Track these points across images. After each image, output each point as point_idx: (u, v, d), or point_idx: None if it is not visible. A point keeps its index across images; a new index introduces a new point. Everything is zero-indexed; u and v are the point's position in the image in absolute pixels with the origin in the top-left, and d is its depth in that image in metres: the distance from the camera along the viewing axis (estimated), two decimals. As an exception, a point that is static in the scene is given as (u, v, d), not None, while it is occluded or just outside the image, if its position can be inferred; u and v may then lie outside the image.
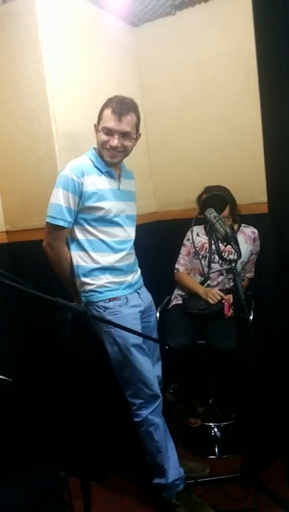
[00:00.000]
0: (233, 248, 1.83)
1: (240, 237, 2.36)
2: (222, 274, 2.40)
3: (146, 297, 2.10)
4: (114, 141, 1.83)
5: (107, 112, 1.82)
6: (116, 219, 1.92)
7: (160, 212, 2.94)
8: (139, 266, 2.13)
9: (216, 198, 2.01)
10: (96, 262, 1.90)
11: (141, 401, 1.88)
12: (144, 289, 2.12)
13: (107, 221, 1.90)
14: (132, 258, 2.05)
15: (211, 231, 1.93)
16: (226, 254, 2.25)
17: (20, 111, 2.14)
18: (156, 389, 1.91)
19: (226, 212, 2.38)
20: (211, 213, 1.90)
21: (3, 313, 2.26)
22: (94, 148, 1.94)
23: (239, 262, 1.99)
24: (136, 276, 2.06)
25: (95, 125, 1.90)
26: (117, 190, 1.95)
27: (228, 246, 1.85)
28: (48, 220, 1.82)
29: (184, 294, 2.54)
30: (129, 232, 2.01)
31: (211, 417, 2.49)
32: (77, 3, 2.27)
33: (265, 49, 0.65)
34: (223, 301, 2.27)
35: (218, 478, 2.07)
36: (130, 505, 2.01)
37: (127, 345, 1.84)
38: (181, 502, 1.87)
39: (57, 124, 2.07)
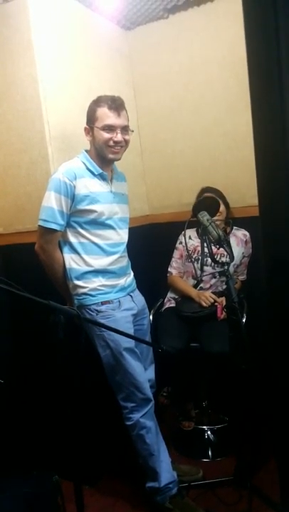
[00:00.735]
0: (226, 251, 1.83)
1: (232, 240, 2.37)
2: (215, 277, 2.41)
3: (139, 300, 2.10)
4: (118, 136, 1.85)
5: (103, 110, 1.83)
6: (109, 222, 1.92)
7: (153, 215, 2.94)
8: (132, 269, 2.13)
9: (208, 200, 2.02)
10: (89, 265, 1.89)
11: (133, 404, 1.87)
12: (137, 292, 2.12)
13: (99, 224, 1.90)
14: (125, 261, 2.05)
15: (203, 234, 1.94)
16: (219, 256, 2.26)
17: (13, 113, 2.14)
18: (148, 392, 1.90)
19: (223, 215, 2.39)
20: (204, 216, 1.91)
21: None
22: (86, 151, 1.94)
23: (232, 264, 2.00)
24: (129, 279, 2.06)
25: (86, 128, 1.90)
26: (110, 193, 1.95)
27: (221, 249, 1.86)
28: (41, 223, 1.82)
29: (177, 297, 2.54)
30: (122, 235, 2.01)
31: (204, 420, 2.48)
32: (70, 6, 2.27)
33: (255, 53, 0.65)
34: (216, 303, 2.28)
35: (211, 482, 2.06)
36: (123, 509, 2.00)
37: (119, 349, 1.84)
38: (174, 506, 1.87)
39: (50, 126, 2.07)
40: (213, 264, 2.35)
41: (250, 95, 0.69)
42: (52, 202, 1.80)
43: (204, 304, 2.29)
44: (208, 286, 2.43)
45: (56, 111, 2.11)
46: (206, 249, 2.37)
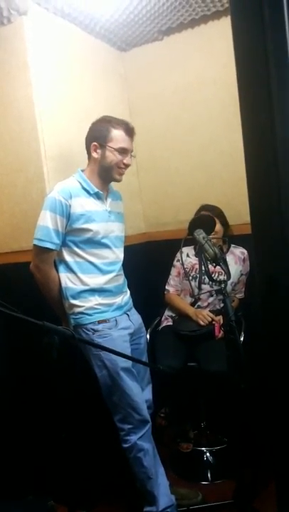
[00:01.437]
0: (223, 269, 1.82)
1: (229, 258, 2.37)
2: (212, 295, 2.40)
3: (136, 319, 2.08)
4: (129, 160, 1.93)
5: (120, 133, 1.88)
6: (104, 240, 1.92)
7: (150, 233, 2.94)
8: (129, 287, 2.11)
9: (204, 218, 2.02)
10: (85, 284, 1.88)
11: (130, 426, 1.84)
12: (133, 310, 2.10)
13: (95, 243, 1.89)
14: (121, 279, 2.04)
15: (200, 252, 1.93)
16: (216, 275, 2.25)
17: (9, 133, 2.15)
18: (145, 413, 1.87)
19: (220, 232, 2.38)
20: (200, 234, 1.90)
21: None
22: (81, 171, 1.95)
23: (229, 282, 1.99)
24: (125, 297, 2.04)
25: (95, 144, 1.89)
26: (105, 212, 1.95)
27: (218, 267, 1.85)
28: (36, 242, 1.81)
29: (174, 315, 2.52)
30: (118, 254, 2.00)
31: (202, 442, 2.44)
32: (66, 28, 2.31)
33: (244, 76, 0.66)
34: (214, 322, 2.26)
35: (210, 505, 2.01)
36: (120, 536, 1.95)
37: (116, 369, 1.81)
38: (173, 531, 1.82)
39: (46, 146, 2.09)
40: (210, 282, 2.34)
41: (240, 115, 0.69)
42: (47, 221, 1.79)
43: (202, 323, 2.27)
44: (205, 304, 2.41)
45: (52, 131, 2.13)
46: (203, 267, 2.36)
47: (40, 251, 1.82)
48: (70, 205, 1.81)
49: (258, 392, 1.70)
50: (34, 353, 1.74)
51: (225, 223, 2.45)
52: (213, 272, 2.10)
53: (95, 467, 2.16)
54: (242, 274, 2.46)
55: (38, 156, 2.08)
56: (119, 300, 1.98)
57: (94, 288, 1.89)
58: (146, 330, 2.27)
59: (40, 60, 2.10)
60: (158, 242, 2.89)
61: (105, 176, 1.94)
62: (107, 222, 1.93)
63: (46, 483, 2.04)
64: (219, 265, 1.82)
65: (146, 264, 2.83)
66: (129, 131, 1.91)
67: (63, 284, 1.89)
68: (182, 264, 2.48)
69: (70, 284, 1.88)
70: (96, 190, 1.91)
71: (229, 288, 2.31)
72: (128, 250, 2.10)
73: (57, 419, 1.92)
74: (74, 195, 1.83)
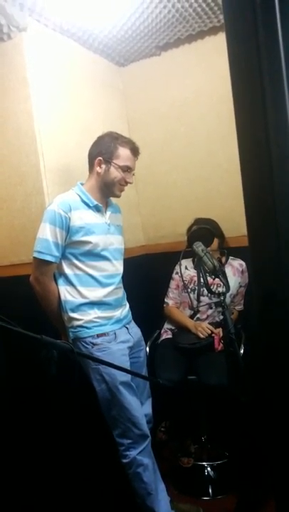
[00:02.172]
0: (222, 281, 1.82)
1: (228, 270, 2.37)
2: (211, 308, 2.39)
3: (135, 332, 2.07)
4: (132, 178, 1.98)
5: (126, 151, 1.92)
6: (104, 253, 1.92)
7: (148, 246, 2.95)
8: (128, 300, 2.11)
9: (203, 231, 2.02)
10: (84, 297, 1.88)
11: (129, 441, 1.82)
12: (133, 323, 2.09)
13: (94, 255, 1.89)
14: (121, 292, 2.04)
15: (199, 264, 1.93)
16: (215, 287, 2.24)
17: (8, 147, 2.17)
18: (145, 428, 1.85)
19: (215, 245, 2.39)
20: (199, 247, 1.90)
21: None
22: (81, 184, 1.96)
23: (228, 294, 1.98)
24: (124, 310, 2.04)
25: (100, 159, 1.90)
26: (105, 224, 1.95)
27: (217, 279, 1.85)
28: (35, 254, 1.81)
29: (173, 328, 2.51)
30: (117, 266, 2.00)
31: (203, 456, 2.41)
32: (64, 44, 2.34)
33: (240, 90, 0.67)
34: (213, 335, 2.25)
35: (212, 522, 1.98)
36: None
37: (115, 383, 1.80)
38: None
39: (44, 160, 2.10)
40: (209, 294, 2.33)
41: (236, 129, 0.70)
42: (47, 234, 1.80)
43: (201, 335, 2.26)
44: (204, 316, 2.41)
45: (51, 145, 2.14)
46: (202, 280, 2.36)
47: (40, 263, 1.82)
48: (69, 218, 1.82)
49: (258, 405, 1.69)
50: (33, 367, 1.73)
51: (220, 235, 2.45)
52: (211, 284, 2.09)
53: (93, 483, 2.13)
54: (241, 286, 2.46)
55: (37, 170, 2.09)
56: (118, 313, 1.98)
57: (93, 301, 1.89)
58: (146, 343, 2.26)
59: (39, 75, 2.12)
60: (156, 255, 2.89)
61: (106, 191, 1.96)
62: (106, 234, 1.94)
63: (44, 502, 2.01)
64: (218, 277, 1.82)
65: (144, 276, 2.83)
66: (135, 151, 1.96)
67: (62, 297, 1.88)
68: (181, 276, 2.48)
69: (69, 297, 1.88)
70: (95, 202, 1.92)
71: (228, 300, 2.31)
72: (127, 263, 2.10)
73: (56, 434, 1.90)
74: (73, 207, 1.84)
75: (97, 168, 1.92)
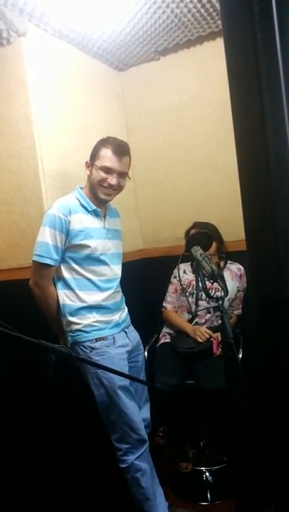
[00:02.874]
0: (220, 285, 1.82)
1: (226, 274, 2.37)
2: (210, 312, 2.39)
3: (134, 336, 2.07)
4: (114, 180, 1.89)
5: (107, 151, 1.87)
6: (102, 257, 1.92)
7: (147, 250, 2.95)
8: (126, 304, 2.11)
9: (201, 235, 2.02)
10: (83, 301, 1.87)
11: (127, 446, 1.81)
12: (131, 327, 2.09)
13: (93, 259, 1.89)
14: (119, 296, 2.04)
15: (197, 268, 1.93)
16: (213, 291, 2.25)
17: (8, 152, 2.17)
18: (143, 433, 1.85)
19: (213, 249, 2.39)
20: (197, 251, 1.91)
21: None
22: (80, 188, 1.96)
23: (226, 299, 1.98)
24: (123, 314, 2.04)
25: (87, 162, 1.92)
26: (103, 229, 1.95)
27: (215, 283, 1.85)
28: (35, 258, 1.81)
29: (172, 332, 2.50)
30: (116, 271, 2.00)
31: (201, 461, 2.40)
32: (64, 49, 2.35)
33: (237, 94, 0.67)
34: (212, 339, 2.25)
35: (210, 527, 1.97)
36: None
37: (113, 388, 1.80)
38: None
39: (43, 164, 2.10)
40: (207, 298, 2.33)
41: (234, 134, 0.71)
42: (47, 237, 1.80)
43: (199, 340, 2.25)
44: (203, 321, 2.40)
45: (50, 149, 2.15)
46: (200, 284, 2.36)
47: (40, 267, 1.81)
48: (69, 221, 1.82)
49: (257, 409, 1.69)
50: (31, 372, 1.73)
51: (219, 239, 2.45)
52: (210, 289, 2.10)
53: (91, 488, 2.12)
54: (239, 290, 2.46)
55: (36, 174, 2.09)
56: (117, 317, 1.98)
57: (92, 305, 1.89)
58: (144, 347, 2.25)
59: (38, 80, 2.13)
60: (155, 259, 2.89)
61: (94, 195, 1.93)
62: (104, 239, 1.94)
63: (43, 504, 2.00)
64: (216, 282, 1.82)
65: (143, 280, 2.83)
66: (118, 152, 1.88)
67: (61, 301, 1.88)
68: (179, 280, 2.48)
69: (67, 301, 1.88)
70: (94, 207, 1.92)
71: (226, 304, 2.31)
72: (125, 267, 2.10)
73: (53, 438, 1.89)
74: (73, 211, 1.84)
75: (86, 171, 1.93)
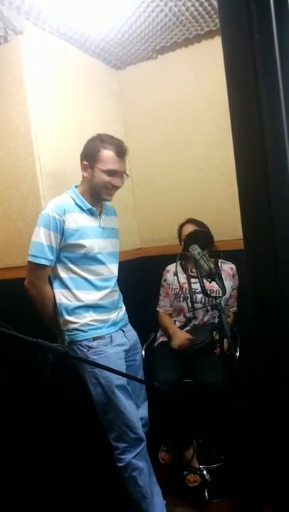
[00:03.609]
0: (218, 284, 1.82)
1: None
2: (208, 311, 2.38)
3: (132, 335, 2.07)
4: (119, 182, 1.90)
5: (109, 153, 1.84)
6: (99, 256, 1.91)
7: (144, 248, 2.95)
8: (124, 302, 2.11)
9: (199, 234, 2.03)
10: (79, 300, 1.87)
11: (124, 445, 1.81)
12: (129, 326, 2.09)
13: (89, 259, 1.89)
14: (116, 295, 2.03)
15: (196, 267, 1.93)
16: (209, 291, 2.24)
17: (5, 150, 2.17)
18: (141, 432, 1.85)
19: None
20: (195, 250, 1.91)
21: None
22: (75, 187, 1.96)
23: (223, 298, 1.98)
24: (120, 313, 2.03)
25: (85, 164, 1.88)
26: (99, 228, 1.95)
27: (213, 282, 1.85)
28: (30, 258, 1.80)
29: None
30: (112, 270, 2.00)
31: (200, 459, 2.39)
32: (61, 47, 2.34)
33: (235, 93, 0.67)
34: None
35: (208, 526, 1.97)
36: None
37: (111, 387, 1.79)
38: None
39: (41, 163, 2.10)
40: (204, 299, 2.32)
41: (231, 133, 0.71)
42: (41, 237, 1.79)
43: (175, 346, 2.27)
44: (200, 322, 2.39)
45: (47, 148, 2.14)
46: (193, 285, 2.36)
47: (35, 267, 1.81)
48: (63, 221, 1.81)
49: (254, 408, 1.69)
50: (28, 371, 1.72)
51: (211, 238, 2.44)
52: (207, 288, 2.09)
53: (89, 487, 2.12)
54: (233, 289, 2.45)
55: (33, 173, 2.09)
56: (114, 316, 1.97)
57: (88, 304, 1.88)
58: (142, 346, 2.25)
59: (36, 78, 2.12)
60: (153, 258, 2.89)
61: (95, 195, 1.92)
62: (100, 238, 1.93)
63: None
64: (214, 280, 1.82)
65: (141, 279, 2.83)
66: (120, 153, 1.87)
67: (58, 301, 1.88)
68: (168, 284, 2.47)
69: (64, 300, 1.87)
70: (89, 206, 1.91)
71: (222, 303, 2.31)
72: (123, 266, 2.10)
73: (51, 438, 1.89)
74: (67, 210, 1.84)
75: (84, 173, 1.91)
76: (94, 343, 1.86)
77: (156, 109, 2.78)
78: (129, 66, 2.84)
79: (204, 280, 1.89)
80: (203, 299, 2.34)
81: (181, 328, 2.42)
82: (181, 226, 2.48)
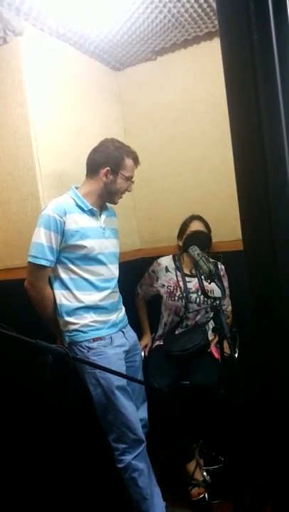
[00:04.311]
0: (217, 285, 1.82)
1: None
2: (206, 312, 2.38)
3: (131, 336, 2.07)
4: (131, 188, 2.04)
5: (131, 163, 1.97)
6: (99, 257, 1.91)
7: (144, 249, 2.95)
8: (123, 304, 2.11)
9: (199, 235, 2.03)
10: (80, 301, 1.87)
11: (124, 446, 1.81)
12: (128, 327, 2.09)
13: (90, 259, 1.89)
14: (117, 296, 2.03)
15: (195, 268, 1.93)
16: (207, 291, 2.23)
17: (4, 151, 2.17)
18: (140, 433, 1.84)
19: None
20: (195, 251, 1.91)
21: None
22: (76, 188, 1.96)
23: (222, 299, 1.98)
24: (120, 314, 2.04)
25: (108, 170, 1.91)
26: (99, 228, 1.95)
27: (212, 283, 1.85)
28: (30, 259, 1.80)
29: (164, 333, 2.48)
30: (113, 270, 2.00)
31: (199, 461, 2.39)
32: (61, 48, 2.35)
33: (234, 94, 0.67)
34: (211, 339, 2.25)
35: (208, 527, 1.97)
36: None
37: (110, 388, 1.79)
38: None
39: (40, 164, 2.10)
40: (198, 299, 2.32)
41: (230, 133, 0.71)
42: (41, 238, 1.79)
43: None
44: (193, 323, 2.38)
45: (47, 149, 2.14)
46: (189, 285, 2.35)
47: (35, 268, 1.81)
48: (64, 222, 1.81)
49: (253, 409, 1.69)
50: (28, 372, 1.72)
51: (210, 239, 2.44)
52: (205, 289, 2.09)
53: (88, 489, 2.12)
54: (226, 288, 2.44)
55: (32, 174, 2.09)
56: (114, 317, 1.97)
57: (89, 305, 1.88)
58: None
59: (35, 79, 2.12)
60: (152, 259, 2.88)
61: (106, 198, 1.99)
62: (101, 238, 1.93)
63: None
64: (214, 281, 1.83)
65: (140, 280, 2.83)
66: (137, 162, 2.01)
67: (58, 301, 1.88)
68: (157, 277, 2.47)
69: (64, 301, 1.87)
70: (90, 207, 1.91)
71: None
72: (123, 267, 2.10)
73: (50, 438, 1.89)
74: (68, 211, 1.84)
75: (104, 178, 1.92)
76: (94, 344, 1.86)
77: (156, 109, 2.78)
78: (128, 67, 2.85)
79: (203, 281, 1.90)
80: (197, 299, 2.33)
81: (174, 328, 2.40)
82: (187, 223, 2.45)
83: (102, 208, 2.03)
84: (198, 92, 2.62)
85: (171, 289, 2.41)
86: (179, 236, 2.47)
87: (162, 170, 2.81)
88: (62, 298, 1.88)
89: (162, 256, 2.58)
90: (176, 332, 2.39)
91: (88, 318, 1.88)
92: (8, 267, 2.21)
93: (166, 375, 2.19)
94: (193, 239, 1.99)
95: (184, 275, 2.39)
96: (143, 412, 2.06)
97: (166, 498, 1.90)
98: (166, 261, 2.49)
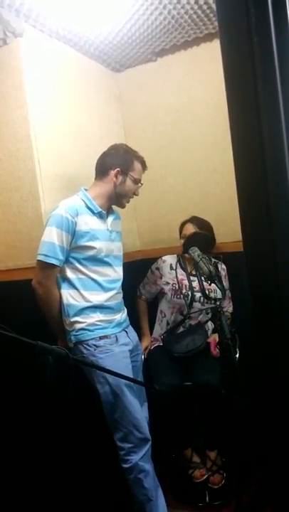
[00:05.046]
0: (218, 286, 1.82)
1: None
2: (207, 313, 2.38)
3: (134, 336, 2.09)
4: (138, 192, 2.08)
5: (139, 166, 2.04)
6: (106, 259, 1.94)
7: (144, 251, 2.95)
8: (124, 304, 2.11)
9: (200, 236, 2.03)
10: (87, 301, 1.88)
11: (130, 445, 1.81)
12: (130, 327, 2.11)
13: (98, 260, 1.91)
14: (121, 297, 2.06)
15: (196, 269, 1.93)
16: (208, 292, 2.23)
17: (4, 152, 2.17)
18: (146, 431, 1.85)
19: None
20: (195, 252, 1.91)
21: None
22: (85, 190, 1.97)
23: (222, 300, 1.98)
24: (123, 314, 2.06)
25: (118, 171, 1.95)
26: (107, 231, 1.97)
27: (212, 285, 1.85)
28: (41, 258, 1.80)
29: (163, 334, 2.48)
30: (118, 272, 2.03)
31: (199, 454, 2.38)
32: (61, 49, 2.35)
33: (234, 96, 0.68)
34: (209, 340, 2.24)
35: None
36: None
37: (119, 385, 1.79)
38: None
39: (41, 165, 2.10)
40: (202, 298, 2.31)
41: (230, 134, 0.71)
42: (53, 237, 1.80)
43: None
44: (196, 322, 2.38)
45: (47, 150, 2.14)
46: (193, 284, 2.35)
47: (45, 267, 1.81)
48: (76, 223, 1.83)
49: (254, 410, 1.69)
50: (28, 373, 1.72)
51: (211, 240, 2.44)
52: (206, 290, 2.09)
53: (89, 490, 2.12)
54: (226, 290, 2.44)
55: (33, 175, 2.09)
56: (118, 317, 1.99)
57: (96, 305, 1.90)
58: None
59: (35, 81, 2.13)
60: (152, 260, 2.88)
61: (115, 201, 2.02)
62: (108, 240, 1.96)
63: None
64: (214, 283, 1.83)
65: (141, 281, 2.83)
66: (144, 166, 2.08)
67: (65, 301, 1.88)
68: (161, 275, 2.46)
69: (72, 301, 1.88)
70: (99, 209, 1.94)
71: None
72: (123, 268, 2.10)
73: (51, 440, 1.88)
74: (80, 212, 1.86)
75: (114, 178, 1.95)
76: (101, 342, 1.87)
77: (156, 111, 2.79)
78: (128, 68, 2.85)
79: (204, 282, 1.89)
80: (201, 298, 2.33)
81: (175, 327, 2.39)
82: (182, 225, 2.47)
83: (109, 210, 2.04)
84: (198, 93, 2.63)
85: (177, 286, 2.41)
86: (180, 237, 2.48)
87: (162, 171, 2.81)
88: (70, 298, 1.88)
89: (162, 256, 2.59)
90: (178, 331, 2.39)
91: (95, 317, 1.89)
92: (9, 268, 2.21)
93: (170, 375, 2.18)
94: (194, 240, 1.98)
95: (188, 274, 2.40)
96: (144, 412, 2.06)
97: (166, 497, 1.89)
98: (171, 259, 2.50)
